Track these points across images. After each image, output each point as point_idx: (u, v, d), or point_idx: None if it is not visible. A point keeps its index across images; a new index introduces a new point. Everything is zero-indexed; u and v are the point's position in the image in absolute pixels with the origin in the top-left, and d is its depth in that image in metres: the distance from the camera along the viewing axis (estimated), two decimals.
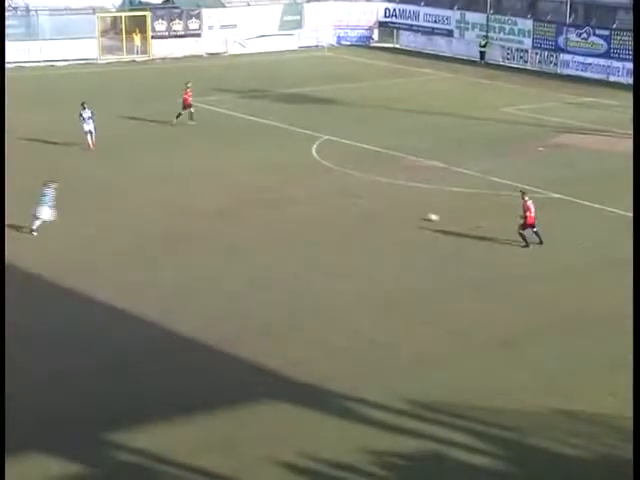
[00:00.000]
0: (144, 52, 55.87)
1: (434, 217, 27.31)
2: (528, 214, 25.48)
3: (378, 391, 17.79)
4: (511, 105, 43.92)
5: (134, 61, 54.81)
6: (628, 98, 42.70)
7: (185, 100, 38.53)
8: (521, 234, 25.55)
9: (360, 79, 50.09)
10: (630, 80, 47.56)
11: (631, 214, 26.39)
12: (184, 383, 18.23)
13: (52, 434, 16.30)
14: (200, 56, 56.48)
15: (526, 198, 25.80)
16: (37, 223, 25.44)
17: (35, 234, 25.37)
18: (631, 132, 35.71)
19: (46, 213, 25.45)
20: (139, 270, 23.55)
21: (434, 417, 16.98)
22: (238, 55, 57.15)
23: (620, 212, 27.77)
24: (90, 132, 34.07)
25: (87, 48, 53.83)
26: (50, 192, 25.51)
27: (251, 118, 40.57)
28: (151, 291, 22.29)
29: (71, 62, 52.79)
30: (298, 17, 60.69)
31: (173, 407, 17.32)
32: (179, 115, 38.52)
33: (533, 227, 25.55)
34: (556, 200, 29.46)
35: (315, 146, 35.89)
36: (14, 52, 51.60)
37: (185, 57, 55.80)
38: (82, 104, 34.50)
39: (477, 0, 58.13)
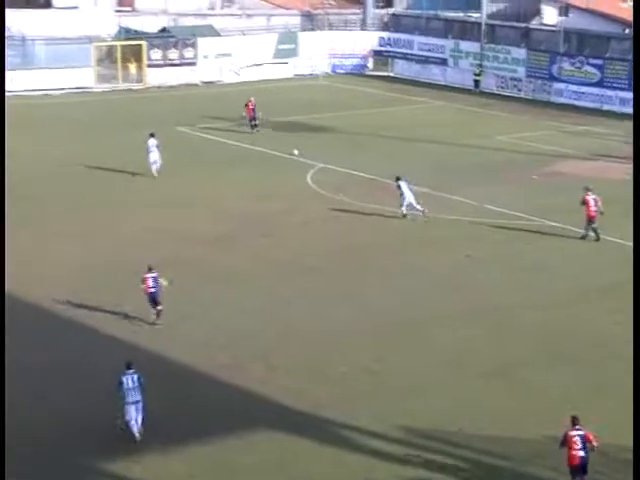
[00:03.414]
0: (139, 80, 56.18)
1: (296, 152, 32.13)
2: (589, 208, 27.56)
3: (372, 419, 17.79)
4: (505, 133, 44.16)
5: (130, 89, 55.07)
6: (621, 126, 43.18)
7: (249, 112, 42.50)
8: (593, 229, 27.63)
9: (355, 107, 50.35)
10: (624, 109, 47.86)
11: (624, 241, 26.52)
12: (176, 411, 18.21)
13: (51, 465, 16.27)
14: (195, 84, 56.78)
15: (589, 193, 27.81)
16: None
17: None
18: (625, 159, 36.13)
19: None
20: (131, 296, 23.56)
21: (429, 445, 16.97)
22: (233, 83, 57.48)
23: (615, 240, 27.88)
24: (155, 162, 35.40)
25: (83, 77, 54.11)
26: None
27: (245, 146, 40.74)
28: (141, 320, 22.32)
29: (67, 91, 53.02)
30: (293, 46, 61.05)
31: (166, 436, 17.29)
32: (254, 126, 42.77)
33: (592, 222, 27.43)
34: (550, 228, 29.59)
35: (310, 174, 36.03)
36: (9, 81, 51.86)
37: (180, 85, 56.08)
38: (150, 134, 35.81)
39: (471, 29, 58.63)
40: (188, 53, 58.29)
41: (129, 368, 17.55)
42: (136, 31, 60.05)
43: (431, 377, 19.75)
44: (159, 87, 55.61)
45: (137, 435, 17.15)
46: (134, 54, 56.17)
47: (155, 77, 56.53)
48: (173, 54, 57.84)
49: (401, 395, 18.92)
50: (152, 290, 22.19)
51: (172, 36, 59.31)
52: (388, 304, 23.57)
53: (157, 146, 35.68)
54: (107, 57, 58.20)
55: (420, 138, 42.82)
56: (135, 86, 55.63)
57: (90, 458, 16.46)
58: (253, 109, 43.17)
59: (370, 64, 62.94)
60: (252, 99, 43.71)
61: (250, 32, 61.79)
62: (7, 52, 54.65)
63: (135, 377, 17.38)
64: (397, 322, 22.49)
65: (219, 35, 60.71)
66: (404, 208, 30.43)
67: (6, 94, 50.53)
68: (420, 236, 28.83)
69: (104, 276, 25.07)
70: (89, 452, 16.70)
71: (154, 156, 35.49)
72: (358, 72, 61.75)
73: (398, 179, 31.02)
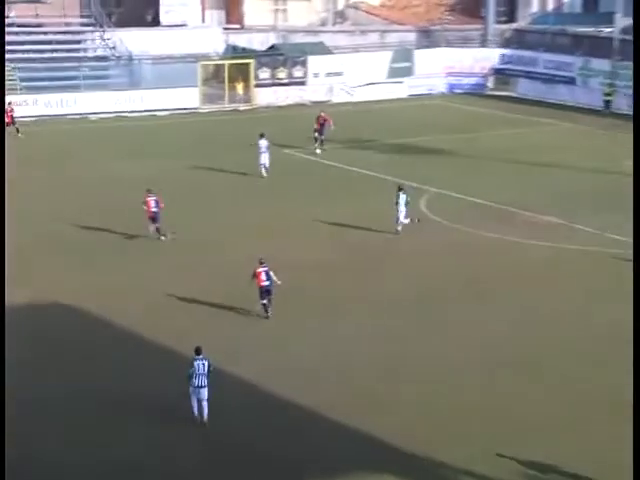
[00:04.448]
0: (247, 101, 57.50)
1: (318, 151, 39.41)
2: None
3: (489, 463, 17.71)
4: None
5: (236, 110, 56.40)
6: None
7: (320, 125, 44.09)
8: None
9: (473, 129, 50.35)
10: None
11: None
12: (278, 444, 18.63)
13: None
14: (304, 104, 57.78)
15: None
16: None
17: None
18: None
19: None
20: (234, 325, 24.25)
21: None
22: (344, 103, 58.20)
23: None
24: (264, 163, 38.72)
25: (189, 97, 55.66)
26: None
27: (355, 169, 41.25)
28: (246, 348, 22.92)
29: (172, 111, 54.66)
30: (408, 64, 61.47)
31: (267, 468, 17.72)
32: (321, 142, 43.93)
33: None
34: None
35: (424, 200, 36.25)
36: (115, 102, 53.95)
37: (289, 106, 57.13)
38: (261, 135, 39.05)
39: (602, 45, 57.90)
40: (297, 72, 59.38)
41: (198, 354, 19.42)
42: (244, 49, 61.61)
43: (551, 417, 19.66)
44: (267, 107, 56.84)
45: (205, 417, 19.16)
46: (242, 73, 57.51)
47: (263, 97, 57.78)
48: (282, 73, 59.01)
49: (519, 436, 18.87)
50: (266, 284, 24.44)
51: (281, 54, 60.53)
52: (502, 339, 23.59)
53: (267, 147, 38.81)
54: (214, 76, 59.83)
55: (543, 162, 42.55)
56: (242, 106, 56.97)
57: None
58: (322, 124, 44.14)
59: (490, 83, 62.85)
60: (322, 113, 44.78)
61: (363, 49, 62.59)
62: (113, 72, 57.10)
63: (206, 363, 19.35)
64: (516, 356, 22.53)
65: (330, 53, 61.67)
66: (403, 220, 31.39)
67: (111, 115, 52.80)
68: (535, 267, 28.77)
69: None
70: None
71: (264, 158, 38.74)
72: (477, 92, 61.73)
73: (400, 189, 31.82)
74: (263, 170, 38.98)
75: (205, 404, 19.35)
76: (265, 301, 24.63)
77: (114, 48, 58.32)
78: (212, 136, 48.65)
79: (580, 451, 18.38)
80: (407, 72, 61.41)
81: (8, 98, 48.66)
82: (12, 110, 47.98)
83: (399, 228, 31.73)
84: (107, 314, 24.83)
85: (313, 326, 24.33)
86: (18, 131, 47.12)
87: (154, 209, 30.29)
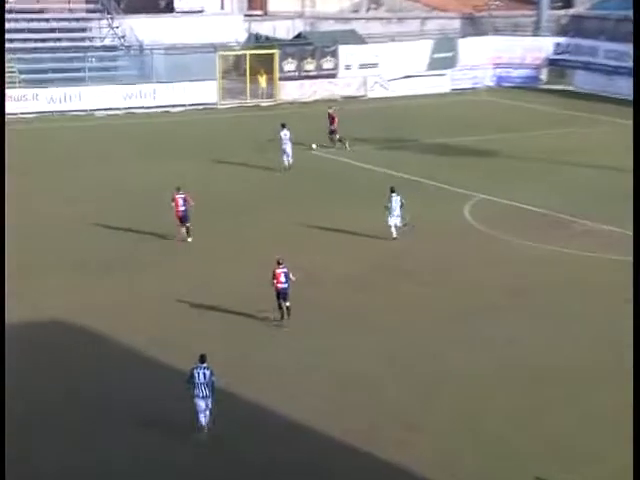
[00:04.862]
0: (270, 96, 57.67)
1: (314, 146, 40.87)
2: None
3: None
4: None
5: (258, 106, 56.61)
6: None
7: (332, 122, 45.34)
8: None
9: (524, 128, 50.19)
10: None
11: None
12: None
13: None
14: (335, 100, 57.82)
15: None
16: None
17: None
18: None
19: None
20: (250, 347, 24.24)
21: None
22: (379, 99, 58.24)
23: None
24: (287, 154, 40.92)
25: (206, 91, 55.90)
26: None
27: (391, 172, 41.18)
28: (266, 370, 22.88)
29: (187, 108, 54.89)
30: (451, 54, 61.48)
31: None
32: (339, 139, 44.96)
33: None
34: None
35: (468, 206, 36.15)
36: (124, 97, 54.19)
37: (316, 101, 57.22)
38: (282, 124, 41.11)
39: None
40: (327, 63, 59.54)
41: (202, 362, 19.74)
42: (267, 37, 61.86)
43: (604, 441, 19.49)
44: (292, 103, 56.98)
45: (205, 426, 19.67)
46: (265, 65, 57.71)
47: (288, 91, 57.98)
48: (309, 64, 59.20)
49: (575, 462, 18.75)
50: (284, 286, 24.89)
51: (309, 43, 60.71)
52: (547, 358, 23.50)
53: (290, 138, 40.64)
54: (234, 69, 60.07)
55: (601, 165, 42.30)
56: (265, 102, 57.14)
57: None
58: (333, 120, 45.45)
59: (544, 76, 62.71)
60: (330, 110, 45.86)
61: (400, 38, 62.62)
62: (122, 63, 57.42)
63: (207, 372, 19.64)
64: (555, 371, 22.59)
65: (364, 42, 61.77)
66: (391, 224, 31.86)
67: (120, 111, 53.07)
68: (584, 278, 28.65)
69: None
70: None
71: (288, 148, 40.80)
72: (529, 85, 61.64)
73: (392, 191, 32.25)
74: (286, 161, 40.89)
75: (206, 414, 19.72)
76: (282, 303, 25.21)
77: (123, 37, 58.73)
78: (231, 135, 48.80)
79: None
80: (450, 63, 61.41)
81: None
82: None
83: (394, 233, 31.99)
84: (115, 328, 24.93)
85: (342, 342, 24.26)
86: None
87: (182, 207, 31.43)
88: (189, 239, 31.67)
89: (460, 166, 42.29)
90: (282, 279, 25.16)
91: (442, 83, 60.97)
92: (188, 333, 24.83)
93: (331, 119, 45.49)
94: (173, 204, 31.54)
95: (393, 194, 32.21)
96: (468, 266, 30.02)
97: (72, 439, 19.98)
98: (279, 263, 25.38)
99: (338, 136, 45.13)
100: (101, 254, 30.81)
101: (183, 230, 31.70)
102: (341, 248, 31.67)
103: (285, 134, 41.02)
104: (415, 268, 29.83)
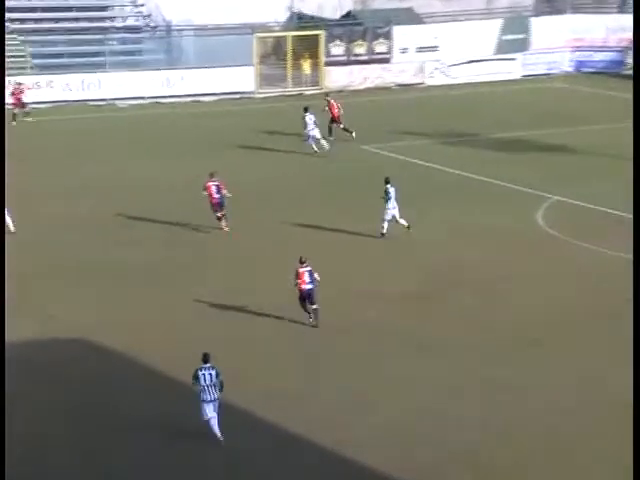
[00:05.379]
0: (314, 83, 57.87)
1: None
2: None
3: None
4: None
5: (301, 95, 56.74)
6: None
7: (332, 112, 45.56)
8: None
9: (605, 119, 49.98)
10: None
11: None
12: None
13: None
14: (388, 88, 57.86)
15: None
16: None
17: None
18: None
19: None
20: (295, 375, 24.45)
21: None
22: (439, 87, 58.21)
23: None
24: (317, 138, 42.63)
25: (241, 78, 56.17)
26: None
27: (453, 171, 41.20)
28: (312, 400, 23.05)
29: (221, 97, 55.14)
30: (523, 35, 61.40)
31: None
32: (345, 129, 45.37)
33: None
34: None
35: (541, 210, 36.10)
36: (149, 84, 54.46)
37: (368, 90, 57.32)
38: (305, 108, 43.05)
39: None
40: (380, 46, 59.68)
41: (205, 362, 20.41)
42: (312, 17, 62.04)
43: None
44: (340, 92, 57.08)
45: (219, 435, 20.22)
46: (309, 48, 57.95)
47: (335, 78, 58.16)
48: (360, 48, 59.34)
49: None
50: (309, 287, 25.59)
51: (359, 23, 60.89)
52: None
53: (315, 122, 42.30)
54: (273, 52, 60.30)
55: None
56: (309, 90, 57.33)
57: None
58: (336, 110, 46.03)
59: (630, 59, 62.32)
60: (329, 99, 46.46)
61: (463, 18, 62.57)
62: (147, 47, 57.78)
63: (213, 373, 20.31)
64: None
65: (422, 22, 61.86)
66: (385, 223, 32.64)
67: (145, 101, 53.45)
68: None
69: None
70: None
71: (317, 133, 42.59)
72: (613, 71, 61.33)
73: (387, 182, 32.90)
74: (316, 147, 42.54)
75: (215, 421, 20.36)
76: (307, 306, 25.79)
77: (149, 17, 59.22)
78: (270, 128, 48.95)
79: None
80: (521, 46, 61.35)
81: (16, 79, 49.72)
82: (22, 92, 48.89)
83: (384, 229, 32.73)
84: (129, 347, 25.22)
85: (398, 371, 24.38)
86: (27, 115, 48.17)
87: (216, 195, 32.87)
88: (226, 228, 33.02)
89: (532, 164, 42.18)
90: (306, 278, 25.65)
91: (512, 69, 60.87)
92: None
93: (330, 108, 45.68)
94: (205, 193, 32.84)
95: (388, 185, 32.82)
96: (538, 278, 29.95)
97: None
98: (302, 262, 25.84)
99: (342, 125, 45.24)
100: (134, 256, 31.18)
101: (224, 220, 33.01)
102: (396, 259, 31.74)
103: (310, 118, 42.59)
104: (481, 281, 29.79)
